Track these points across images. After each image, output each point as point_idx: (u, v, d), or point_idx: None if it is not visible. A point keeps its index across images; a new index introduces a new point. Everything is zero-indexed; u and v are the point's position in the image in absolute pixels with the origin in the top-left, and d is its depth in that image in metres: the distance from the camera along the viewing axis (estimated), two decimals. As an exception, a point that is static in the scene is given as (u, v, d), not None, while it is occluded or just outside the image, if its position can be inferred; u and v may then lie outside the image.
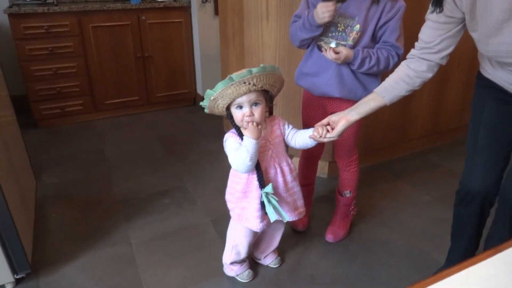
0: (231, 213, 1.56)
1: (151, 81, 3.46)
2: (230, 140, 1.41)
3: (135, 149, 2.85)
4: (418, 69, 1.29)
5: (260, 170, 1.40)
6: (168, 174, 2.51)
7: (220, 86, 1.26)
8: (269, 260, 1.74)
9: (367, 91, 1.56)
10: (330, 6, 1.39)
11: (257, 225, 1.46)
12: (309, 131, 1.44)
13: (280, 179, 1.47)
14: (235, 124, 1.38)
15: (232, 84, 1.25)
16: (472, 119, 1.41)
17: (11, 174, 1.72)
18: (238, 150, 1.35)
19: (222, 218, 2.05)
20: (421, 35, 1.29)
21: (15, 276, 1.62)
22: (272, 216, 1.38)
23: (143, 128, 3.23)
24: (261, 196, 1.39)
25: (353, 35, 1.47)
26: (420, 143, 2.80)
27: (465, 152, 1.44)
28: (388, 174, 2.50)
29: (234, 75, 1.25)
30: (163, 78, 3.51)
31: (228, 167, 1.44)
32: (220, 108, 1.36)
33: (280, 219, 1.45)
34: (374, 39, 1.53)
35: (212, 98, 1.30)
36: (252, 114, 1.33)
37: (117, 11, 3.13)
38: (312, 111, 1.72)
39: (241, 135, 1.36)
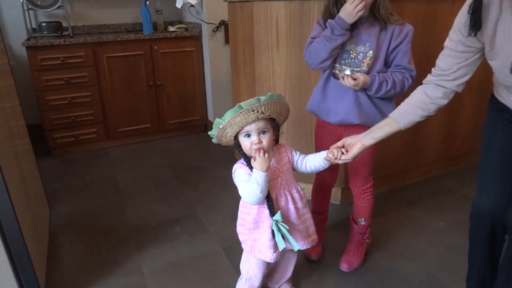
0: (243, 245, 1.53)
1: (163, 109, 3.51)
2: (239, 172, 1.41)
3: (147, 176, 2.86)
4: (433, 95, 1.31)
5: (270, 198, 1.39)
6: (179, 201, 2.51)
7: (229, 114, 1.28)
8: None
9: (382, 115, 1.57)
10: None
11: (270, 256, 1.44)
12: (321, 154, 1.46)
13: (291, 206, 1.45)
14: (243, 153, 1.38)
15: (241, 112, 1.27)
16: (483, 142, 1.41)
17: (26, 203, 1.74)
18: (248, 182, 1.34)
19: (234, 246, 2.03)
20: (439, 62, 1.31)
21: (28, 306, 1.61)
22: (280, 245, 1.36)
23: (155, 155, 3.26)
24: (272, 223, 1.38)
25: (367, 61, 1.49)
26: (433, 168, 2.77)
27: (477, 176, 1.44)
28: (401, 201, 2.47)
29: (243, 103, 1.27)
30: (175, 105, 3.56)
31: (237, 194, 1.43)
32: (228, 137, 1.37)
33: (291, 248, 1.43)
34: (386, 63, 1.55)
35: (221, 126, 1.31)
36: (260, 142, 1.33)
37: (130, 42, 3.22)
38: (326, 140, 1.71)
39: (249, 165, 1.36)
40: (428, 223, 2.22)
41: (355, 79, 1.46)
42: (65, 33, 3.26)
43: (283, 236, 1.36)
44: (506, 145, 1.33)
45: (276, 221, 1.35)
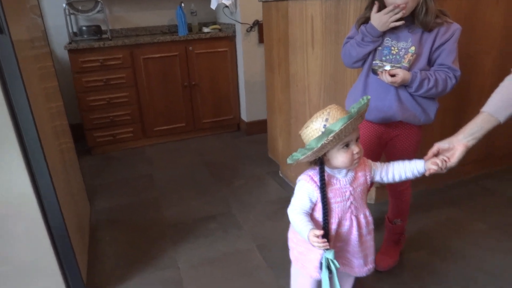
0: (290, 253, 1.44)
1: (197, 108, 3.58)
2: (302, 184, 1.29)
3: (182, 174, 2.93)
4: None
5: (327, 231, 1.25)
6: (214, 199, 2.55)
7: (341, 122, 1.13)
8: None
9: (425, 113, 1.53)
10: (397, 10, 1.37)
11: (314, 273, 1.32)
12: (414, 164, 1.33)
13: (355, 232, 1.32)
14: (322, 168, 1.25)
15: (354, 119, 1.16)
16: None
17: (70, 198, 1.82)
18: (299, 216, 1.25)
19: (267, 243, 2.05)
20: None
21: (71, 297, 1.69)
22: (325, 285, 1.24)
23: (189, 154, 3.32)
24: (322, 257, 1.25)
25: (409, 57, 1.44)
26: (473, 169, 2.67)
27: None
28: (439, 201, 2.40)
29: (352, 110, 1.17)
30: (209, 105, 3.62)
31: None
32: (321, 153, 1.21)
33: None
34: (429, 62, 1.49)
35: (330, 137, 1.14)
36: (361, 149, 1.24)
37: (166, 43, 3.30)
38: (366, 139, 1.66)
39: (322, 174, 1.24)
40: (467, 224, 2.15)
41: (393, 75, 1.42)
42: (104, 36, 3.39)
43: (330, 271, 1.23)
44: None
45: (327, 259, 1.22)
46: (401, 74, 1.40)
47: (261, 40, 3.33)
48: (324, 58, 2.14)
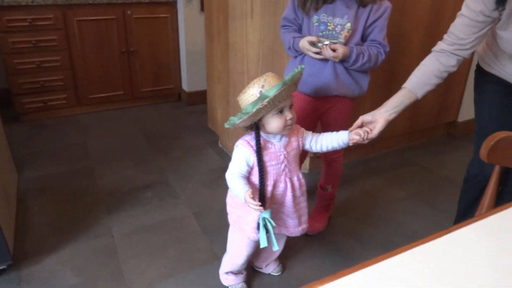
0: (228, 217, 1.50)
1: (136, 76, 3.47)
2: (239, 149, 1.34)
3: (118, 144, 2.86)
4: (448, 63, 1.34)
5: (263, 194, 1.32)
6: (151, 168, 2.53)
7: (275, 88, 1.20)
8: (271, 268, 1.70)
9: (358, 86, 1.61)
10: (313, 50, 1.50)
11: (251, 234, 1.38)
12: (340, 135, 1.40)
13: (289, 193, 1.41)
14: (258, 133, 1.31)
15: (288, 85, 1.23)
16: (479, 112, 1.53)
17: (-7, 165, 1.73)
18: (236, 178, 1.30)
19: (203, 211, 2.09)
20: (455, 31, 1.31)
21: (-4, 267, 1.63)
22: (263, 242, 1.28)
23: (127, 123, 3.24)
24: (259, 217, 1.29)
25: (345, 33, 1.50)
26: (398, 142, 2.87)
27: (475, 144, 1.58)
28: (366, 171, 2.57)
29: (286, 77, 1.24)
30: (148, 73, 3.51)
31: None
32: (257, 118, 1.27)
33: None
34: (363, 37, 1.56)
35: (265, 103, 1.20)
36: (295, 116, 1.31)
37: (102, 5, 3.12)
38: (302, 112, 1.71)
39: (258, 139, 1.31)
40: (389, 193, 2.33)
41: (334, 50, 1.46)
42: (33, -7, 3.14)
43: (267, 231, 1.28)
44: (504, 111, 1.47)
45: (264, 218, 1.26)
46: (341, 50, 1.46)
47: (203, 8, 3.26)
48: (263, 29, 2.16)
